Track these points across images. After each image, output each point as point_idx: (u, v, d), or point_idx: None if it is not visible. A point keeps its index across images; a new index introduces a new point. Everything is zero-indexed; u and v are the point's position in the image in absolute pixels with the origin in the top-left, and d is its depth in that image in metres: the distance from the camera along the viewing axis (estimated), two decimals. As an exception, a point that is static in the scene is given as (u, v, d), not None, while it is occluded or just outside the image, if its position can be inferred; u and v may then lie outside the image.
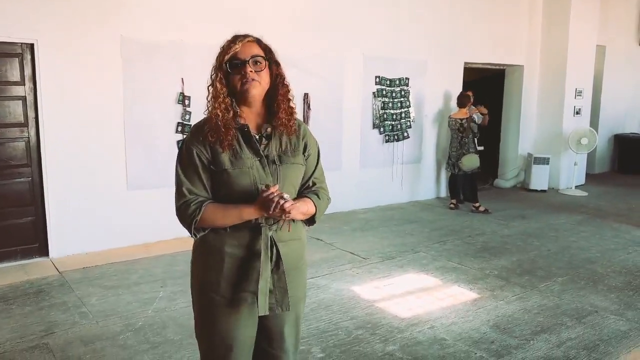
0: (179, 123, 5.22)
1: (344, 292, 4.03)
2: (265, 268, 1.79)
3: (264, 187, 1.74)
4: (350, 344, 3.20)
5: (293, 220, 1.85)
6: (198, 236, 1.84)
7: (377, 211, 6.82)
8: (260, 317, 1.90)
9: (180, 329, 3.35)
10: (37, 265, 4.55)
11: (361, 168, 6.82)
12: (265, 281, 1.79)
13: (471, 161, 6.67)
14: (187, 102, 5.22)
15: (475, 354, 3.11)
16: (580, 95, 8.55)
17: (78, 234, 4.80)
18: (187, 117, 5.24)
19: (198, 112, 5.20)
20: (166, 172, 5.11)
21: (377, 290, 4.09)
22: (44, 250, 4.70)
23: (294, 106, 1.90)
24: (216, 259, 1.83)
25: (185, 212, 1.80)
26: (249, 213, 1.76)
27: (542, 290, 4.15)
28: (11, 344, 3.14)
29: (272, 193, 1.70)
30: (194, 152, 1.81)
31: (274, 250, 1.83)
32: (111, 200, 4.96)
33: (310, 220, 1.95)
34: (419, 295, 4.02)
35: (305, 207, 1.85)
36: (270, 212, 1.69)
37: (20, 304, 3.72)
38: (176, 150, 5.63)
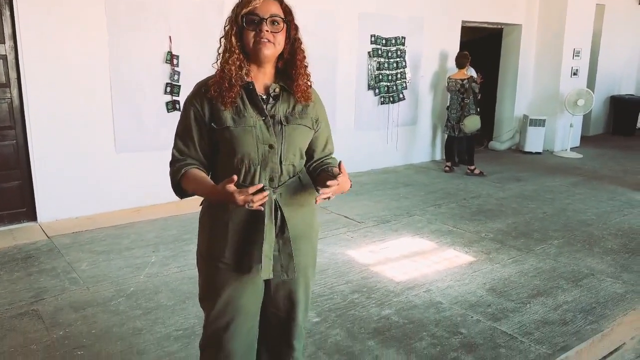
0: (167, 84, 5.04)
1: (338, 257, 3.98)
2: (269, 232, 1.73)
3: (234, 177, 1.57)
4: (345, 308, 3.17)
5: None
6: (182, 198, 1.80)
7: (371, 174, 6.74)
8: (268, 283, 1.85)
9: (173, 294, 3.30)
10: (25, 230, 4.45)
11: (356, 130, 6.70)
12: (269, 245, 1.73)
13: (473, 123, 6.56)
14: (175, 61, 5.03)
15: (472, 317, 3.09)
16: (578, 56, 8.40)
17: (66, 198, 4.69)
18: (175, 77, 5.06)
19: (187, 72, 5.03)
20: (156, 134, 4.98)
21: (372, 254, 4.05)
22: (31, 215, 4.60)
23: (310, 73, 1.80)
24: (220, 226, 1.77)
25: (171, 172, 1.77)
26: (215, 197, 1.67)
27: (538, 253, 4.12)
28: None
29: (246, 192, 1.54)
30: (191, 111, 1.74)
31: (279, 215, 1.76)
32: (99, 163, 4.83)
33: None
34: (415, 258, 3.99)
35: (347, 182, 1.73)
36: (241, 206, 1.58)
37: (8, 270, 3.64)
38: (165, 112, 5.49)
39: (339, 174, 1.70)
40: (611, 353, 2.72)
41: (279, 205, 1.76)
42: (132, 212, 4.94)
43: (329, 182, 1.64)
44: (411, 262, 3.91)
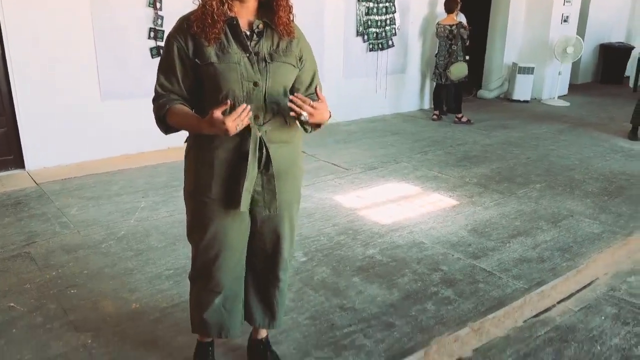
0: (151, 28, 4.95)
1: (326, 202, 4.05)
2: (252, 168, 1.77)
3: (226, 103, 1.62)
4: (332, 249, 3.26)
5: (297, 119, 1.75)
6: (168, 134, 1.82)
7: (360, 123, 6.75)
8: (254, 219, 1.91)
9: (164, 237, 3.37)
10: (14, 177, 4.46)
11: (344, 78, 6.66)
12: (250, 181, 1.78)
13: (459, 70, 6.53)
14: (158, 4, 4.92)
15: (453, 255, 3.20)
16: (569, 2, 8.29)
17: (53, 146, 4.68)
18: (159, 21, 4.96)
19: (171, 17, 4.92)
20: (141, 81, 4.92)
21: (358, 199, 4.13)
22: (19, 162, 4.59)
23: (292, 5, 1.79)
24: (207, 163, 1.80)
25: (155, 108, 1.78)
26: (202, 128, 1.69)
27: (520, 196, 4.22)
28: (-8, 253, 3.14)
29: (236, 113, 1.60)
30: (174, 46, 1.74)
31: (263, 152, 1.79)
32: (85, 111, 4.79)
33: (316, 125, 1.88)
34: (400, 203, 4.07)
35: (325, 109, 1.76)
36: (229, 134, 1.62)
37: (-2, 215, 3.68)
38: (150, 58, 5.40)
39: (317, 100, 1.73)
40: (585, 287, 2.85)
41: (263, 142, 1.79)
42: (120, 159, 4.95)
43: (295, 96, 1.67)
44: (396, 206, 3.99)
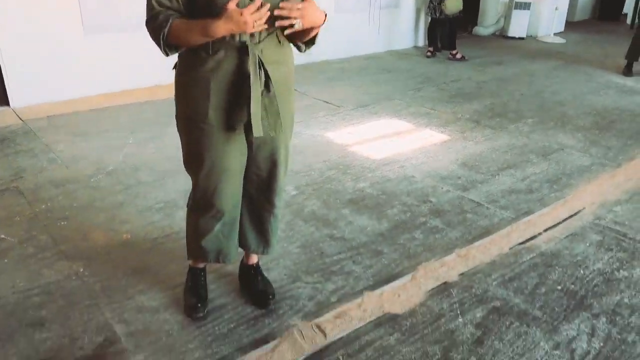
0: (134, -42, 4.72)
1: (317, 138, 4.02)
2: (255, 89, 1.70)
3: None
4: (322, 183, 3.27)
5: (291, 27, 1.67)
6: (169, 54, 1.70)
7: (352, 61, 6.62)
8: (250, 145, 1.87)
9: (153, 172, 3.35)
10: (-1, 114, 4.39)
11: (336, 13, 6.45)
12: (256, 103, 1.72)
13: (454, 4, 6.34)
14: None
15: (442, 188, 3.22)
16: None
17: (38, 83, 4.57)
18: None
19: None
20: (125, 13, 4.74)
21: (350, 136, 4.10)
22: (3, 99, 4.49)
23: None
24: (202, 87, 1.73)
25: (154, 26, 1.64)
26: (214, 28, 1.57)
27: (511, 131, 4.21)
28: (-20, 188, 3.12)
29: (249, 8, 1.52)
30: None
31: (262, 72, 1.73)
32: (68, 46, 4.64)
33: (310, 41, 1.82)
34: (391, 138, 4.05)
35: (315, 8, 1.68)
36: (246, 29, 1.54)
37: (-15, 152, 3.63)
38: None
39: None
40: (571, 216, 2.88)
41: (262, 62, 1.73)
42: (106, 96, 4.85)
43: (282, 5, 1.61)
44: (388, 142, 3.98)
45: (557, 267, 2.41)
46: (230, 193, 1.91)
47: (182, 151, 1.91)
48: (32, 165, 3.42)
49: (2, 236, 2.60)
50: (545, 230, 2.73)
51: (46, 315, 2.06)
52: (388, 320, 2.06)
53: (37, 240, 2.57)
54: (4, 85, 4.45)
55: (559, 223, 2.81)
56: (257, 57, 1.71)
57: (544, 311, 2.12)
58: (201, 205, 1.93)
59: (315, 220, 2.81)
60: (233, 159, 1.85)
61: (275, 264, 2.41)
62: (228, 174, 1.86)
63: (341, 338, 1.97)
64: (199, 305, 2.06)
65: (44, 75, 4.58)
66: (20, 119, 4.27)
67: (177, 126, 1.89)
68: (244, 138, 1.85)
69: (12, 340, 1.93)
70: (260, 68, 1.72)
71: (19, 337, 1.95)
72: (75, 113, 4.42)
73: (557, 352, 1.90)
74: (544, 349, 1.91)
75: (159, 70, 4.26)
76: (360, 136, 4.09)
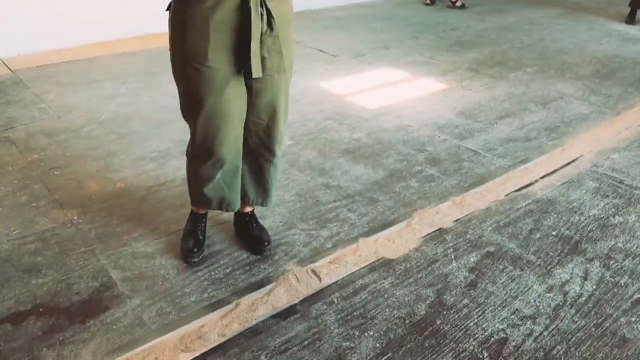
0: None
1: (313, 88, 3.95)
2: (255, 26, 1.63)
3: None
4: (318, 133, 3.23)
5: None
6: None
7: (349, 9, 6.44)
8: (250, 91, 1.81)
9: (146, 121, 3.30)
10: (-13, 65, 4.28)
11: (332, -42, 6.25)
12: (257, 42, 1.64)
13: None
14: None
15: (439, 137, 3.19)
16: None
17: (26, 32, 4.44)
18: None
19: None
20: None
21: (346, 86, 4.02)
22: (-9, 49, 4.39)
23: None
24: (200, 26, 1.64)
25: None
26: None
27: (510, 79, 4.14)
28: (-29, 138, 3.08)
29: None
30: None
31: (264, 10, 1.65)
32: (55, -7, 4.49)
33: None
34: (388, 88, 3.98)
35: None
36: None
37: (-26, 102, 3.57)
38: None
39: None
40: (568, 163, 2.87)
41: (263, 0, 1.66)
42: (97, 46, 4.73)
43: None
44: (385, 92, 3.91)
45: (552, 214, 2.42)
46: (231, 140, 1.85)
47: (180, 97, 1.84)
48: (23, 115, 3.37)
49: (-5, 185, 2.58)
50: (542, 178, 2.72)
51: (42, 261, 2.06)
52: (382, 265, 2.07)
53: (31, 189, 2.55)
54: (-9, 34, 4.33)
55: (555, 170, 2.80)
56: None
57: (538, 256, 2.13)
58: (200, 153, 1.88)
59: (311, 170, 2.79)
60: (234, 103, 1.78)
61: (271, 212, 2.40)
62: (228, 120, 1.80)
63: (336, 282, 1.98)
64: (195, 249, 2.06)
65: (33, 25, 4.45)
66: (9, 69, 4.17)
67: (173, 71, 1.81)
68: (243, 82, 1.78)
69: (9, 285, 1.94)
70: (262, 6, 1.65)
71: (15, 282, 1.95)
72: (66, 63, 4.32)
73: (550, 294, 1.92)
74: (537, 292, 1.93)
75: (151, 18, 4.14)
76: (356, 86, 4.02)
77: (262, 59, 1.71)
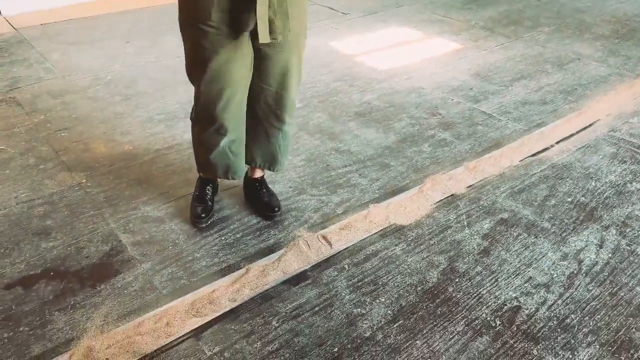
0: None
1: (322, 48, 3.85)
2: None
3: None
4: (328, 95, 3.16)
5: None
6: None
7: (359, -36, 6.21)
8: (258, 55, 1.74)
9: (152, 82, 3.24)
10: (-11, 23, 4.19)
11: None
12: (263, 5, 1.56)
13: None
14: None
15: (452, 99, 3.11)
16: None
17: (28, -11, 4.33)
18: None
19: None
20: None
21: (357, 45, 3.91)
22: (-7, 7, 4.29)
23: None
24: None
25: None
26: None
27: (526, 39, 4.00)
28: (-24, 99, 3.04)
29: None
30: None
31: None
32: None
33: None
34: (400, 48, 3.87)
35: None
36: None
37: (-22, 62, 3.50)
38: None
39: None
40: (585, 128, 2.79)
41: None
42: (100, 3, 4.61)
43: None
44: (396, 52, 3.80)
45: (568, 179, 2.36)
46: (234, 105, 1.80)
47: (185, 57, 1.78)
48: (28, 75, 3.31)
49: (3, 147, 2.55)
50: (558, 142, 2.65)
51: (51, 224, 2.05)
52: (394, 231, 2.04)
53: (38, 152, 2.52)
54: (-8, -9, 4.22)
55: (572, 135, 2.73)
56: None
57: (553, 223, 2.09)
58: (203, 117, 1.83)
59: (321, 134, 2.74)
60: (238, 68, 1.72)
61: (281, 177, 2.37)
62: (232, 84, 1.74)
63: (347, 248, 1.96)
64: (203, 215, 2.04)
65: (34, -20, 4.34)
66: (13, 27, 4.08)
67: (180, 30, 1.74)
68: (251, 47, 1.72)
69: (19, 248, 1.94)
70: None
71: (25, 245, 1.95)
72: (69, 21, 4.22)
73: (564, 262, 1.90)
74: (551, 260, 1.91)
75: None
76: (367, 45, 3.91)
77: (270, 22, 1.63)
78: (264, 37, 1.61)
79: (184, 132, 2.69)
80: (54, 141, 2.61)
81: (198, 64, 1.72)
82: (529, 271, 1.85)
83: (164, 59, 3.52)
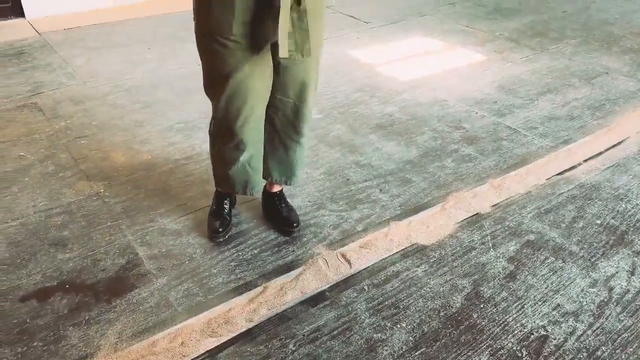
0: None
1: (343, 57, 3.81)
2: (284, 3, 1.50)
3: None
4: (348, 106, 3.11)
5: None
6: None
7: (381, -28, 6.17)
8: (276, 68, 1.71)
9: (172, 90, 3.22)
10: (14, 26, 4.22)
11: None
12: (285, 19, 1.51)
13: None
14: None
15: (476, 113, 3.04)
16: None
17: (52, -7, 4.37)
18: None
19: None
20: None
21: (378, 55, 3.86)
22: (18, 11, 4.32)
23: None
24: None
25: None
26: None
27: (552, 52, 3.91)
28: (-1, 104, 3.05)
29: None
30: None
31: None
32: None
33: None
34: (422, 58, 3.81)
35: None
36: None
37: (1, 66, 3.52)
38: None
39: None
40: (614, 146, 2.70)
41: None
42: (125, 8, 4.64)
43: None
44: (419, 62, 3.74)
45: (596, 200, 2.28)
46: (254, 120, 1.76)
47: (203, 72, 1.74)
48: (50, 80, 3.32)
49: (22, 154, 2.56)
50: (586, 161, 2.57)
51: (68, 235, 2.04)
52: (415, 252, 1.99)
53: (58, 159, 2.52)
54: (18, -5, 4.27)
55: (600, 153, 2.64)
56: None
57: (582, 246, 2.02)
58: (222, 132, 1.80)
59: (341, 146, 2.69)
60: (258, 81, 1.68)
61: (300, 191, 2.33)
62: (252, 99, 1.70)
63: (367, 268, 1.91)
64: (221, 230, 2.01)
65: (58, -15, 4.37)
66: (37, 31, 4.12)
67: (197, 44, 1.70)
68: (271, 60, 1.69)
69: (36, 259, 1.92)
70: None
71: (42, 256, 1.93)
72: (92, 26, 4.25)
73: (593, 289, 1.82)
74: (580, 286, 1.83)
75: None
76: (389, 55, 3.85)
77: (290, 36, 1.58)
78: (283, 52, 1.57)
79: (203, 141, 2.67)
80: (74, 149, 2.60)
81: (217, 79, 1.68)
82: (556, 298, 1.78)
83: (185, 66, 3.51)
